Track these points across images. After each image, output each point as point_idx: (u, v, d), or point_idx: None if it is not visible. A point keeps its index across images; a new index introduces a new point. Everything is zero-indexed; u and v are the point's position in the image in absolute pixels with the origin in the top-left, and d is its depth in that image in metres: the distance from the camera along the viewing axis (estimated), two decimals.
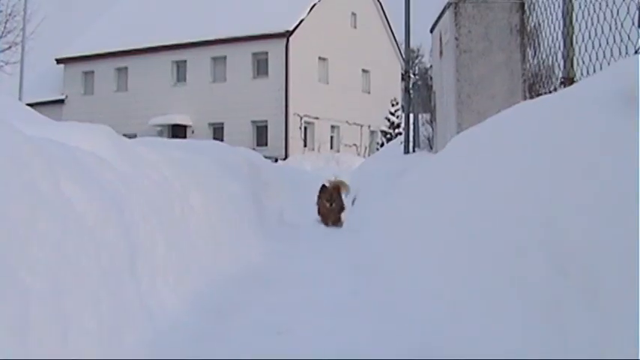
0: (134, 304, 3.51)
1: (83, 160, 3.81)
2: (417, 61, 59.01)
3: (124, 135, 5.28)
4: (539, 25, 7.74)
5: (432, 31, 9.73)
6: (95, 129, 4.83)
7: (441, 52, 9.14)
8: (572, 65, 6.65)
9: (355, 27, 43.17)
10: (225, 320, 4.18)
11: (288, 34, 38.41)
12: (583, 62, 6.27)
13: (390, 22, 45.38)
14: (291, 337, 3.80)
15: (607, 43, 5.74)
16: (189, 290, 4.51)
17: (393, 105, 39.58)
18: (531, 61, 8.08)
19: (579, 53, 6.42)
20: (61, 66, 45.00)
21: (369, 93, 43.77)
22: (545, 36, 7.44)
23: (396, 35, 45.17)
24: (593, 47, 6.00)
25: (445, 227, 4.35)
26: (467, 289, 3.45)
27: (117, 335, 3.12)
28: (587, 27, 6.14)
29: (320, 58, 40.70)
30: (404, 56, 16.45)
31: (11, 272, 2.44)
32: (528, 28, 8.14)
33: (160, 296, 3.97)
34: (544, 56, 7.66)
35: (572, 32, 6.62)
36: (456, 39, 8.09)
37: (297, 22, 38.74)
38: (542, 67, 7.87)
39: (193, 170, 6.27)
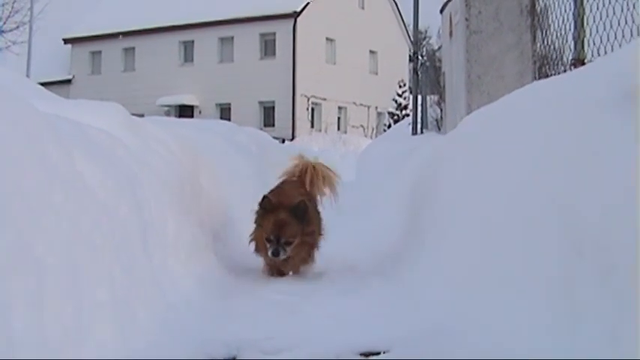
0: (146, 280, 3.53)
1: (95, 137, 3.81)
2: (425, 42, 58.75)
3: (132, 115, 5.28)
4: (550, 6, 7.71)
5: (441, 12, 9.71)
6: (106, 106, 4.83)
7: (450, 33, 9.12)
8: (582, 47, 6.63)
9: (363, 8, 43.00)
10: (236, 298, 4.21)
11: (295, 15, 38.28)
12: (594, 44, 6.26)
13: (397, 2, 45.18)
14: (303, 317, 3.82)
15: (618, 24, 5.73)
16: (200, 267, 4.53)
17: (400, 86, 39.47)
18: (541, 42, 8.05)
19: (590, 35, 6.40)
20: (69, 46, 44.94)
21: (376, 74, 43.66)
22: (556, 17, 7.41)
23: (404, 16, 45.01)
24: (605, 29, 5.98)
25: (458, 206, 4.35)
26: (481, 267, 3.46)
27: (130, 310, 3.14)
28: (598, 8, 6.12)
29: (327, 39, 40.57)
30: (412, 37, 16.38)
31: (27, 246, 2.46)
32: (539, 9, 8.11)
33: (171, 273, 3.99)
34: (554, 38, 7.63)
35: (583, 13, 6.60)
36: (466, 19, 8.06)
37: (304, 3, 38.59)
38: (552, 49, 7.85)
39: (204, 149, 6.28)
